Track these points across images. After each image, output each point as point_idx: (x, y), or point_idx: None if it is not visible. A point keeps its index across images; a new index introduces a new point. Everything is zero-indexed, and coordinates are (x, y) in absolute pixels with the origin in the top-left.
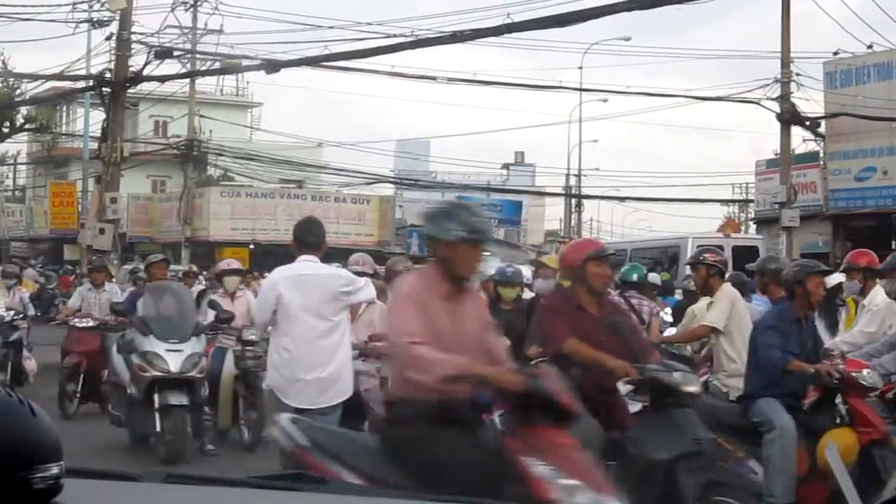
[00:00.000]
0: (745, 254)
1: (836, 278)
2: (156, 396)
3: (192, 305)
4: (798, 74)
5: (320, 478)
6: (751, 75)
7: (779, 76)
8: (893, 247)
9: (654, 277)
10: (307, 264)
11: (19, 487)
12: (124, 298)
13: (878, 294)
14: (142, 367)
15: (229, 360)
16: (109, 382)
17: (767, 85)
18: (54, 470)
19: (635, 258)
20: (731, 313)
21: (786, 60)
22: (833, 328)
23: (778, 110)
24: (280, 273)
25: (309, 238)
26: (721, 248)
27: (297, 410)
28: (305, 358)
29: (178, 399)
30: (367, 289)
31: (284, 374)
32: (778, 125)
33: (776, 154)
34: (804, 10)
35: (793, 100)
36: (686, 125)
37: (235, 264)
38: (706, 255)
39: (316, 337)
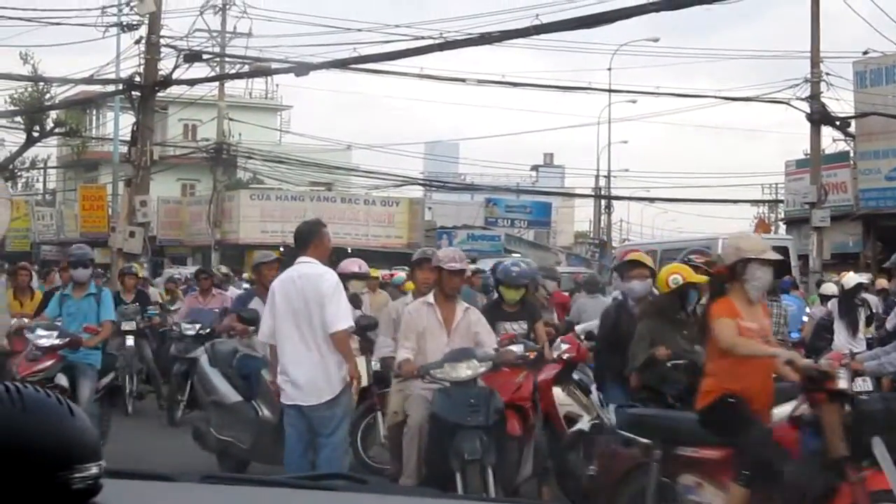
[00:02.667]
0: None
1: (854, 278)
2: None
3: None
4: (828, 74)
5: (361, 478)
6: (780, 75)
7: (808, 76)
8: None
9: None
10: (301, 266)
11: (58, 488)
12: (232, 304)
13: None
14: (277, 386)
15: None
16: (201, 399)
17: (797, 85)
18: (93, 470)
19: (665, 259)
20: None
21: (815, 60)
22: (853, 328)
23: (808, 110)
24: (278, 278)
25: (300, 239)
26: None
27: (291, 407)
28: (290, 357)
29: None
30: (338, 314)
31: (281, 373)
32: (808, 125)
33: (806, 154)
34: (834, 10)
35: (823, 99)
36: (715, 126)
37: (363, 267)
38: (691, 257)
39: (297, 338)
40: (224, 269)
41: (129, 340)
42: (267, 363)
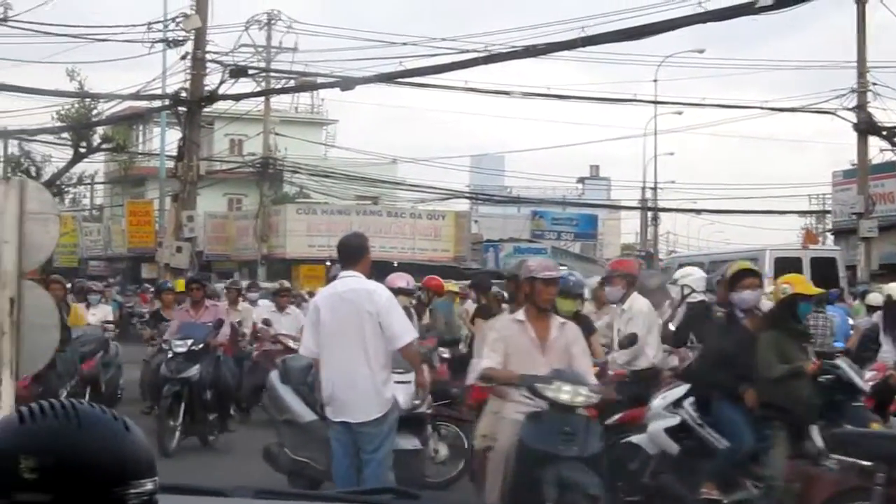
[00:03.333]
0: (823, 265)
1: None
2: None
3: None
4: (874, 84)
5: (413, 493)
6: (827, 86)
7: (855, 86)
8: None
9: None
10: (348, 281)
11: (114, 503)
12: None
13: None
14: None
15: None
16: (273, 418)
17: (844, 95)
18: (148, 486)
19: (713, 271)
20: None
21: (862, 70)
22: None
23: (854, 120)
24: (321, 293)
25: (345, 253)
26: (799, 259)
27: (339, 425)
28: (338, 374)
29: (409, 442)
30: (403, 327)
31: (327, 390)
32: (855, 135)
33: (853, 164)
34: (880, 19)
35: (869, 109)
36: (762, 137)
37: (410, 283)
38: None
39: (346, 355)
40: (286, 284)
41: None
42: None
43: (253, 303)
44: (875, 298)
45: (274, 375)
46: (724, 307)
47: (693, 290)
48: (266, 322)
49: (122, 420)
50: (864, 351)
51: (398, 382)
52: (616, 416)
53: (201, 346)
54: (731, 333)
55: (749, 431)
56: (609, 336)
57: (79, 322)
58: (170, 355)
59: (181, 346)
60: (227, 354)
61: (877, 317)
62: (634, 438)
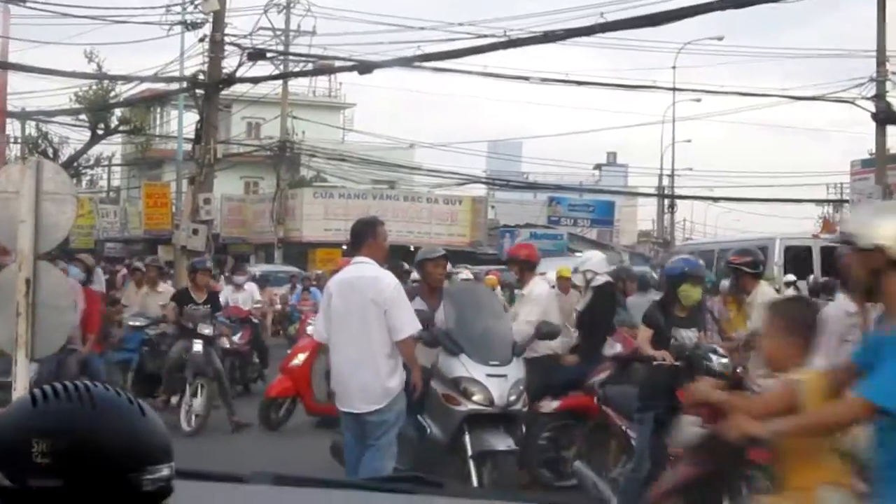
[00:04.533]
0: (833, 254)
1: None
2: (467, 438)
3: (505, 315)
4: (894, 73)
5: (437, 480)
6: (846, 74)
7: (874, 75)
8: None
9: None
10: (357, 267)
11: (129, 489)
12: None
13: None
14: (451, 399)
15: None
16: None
17: (863, 84)
18: (164, 471)
19: (723, 259)
20: None
21: (881, 59)
22: None
23: (873, 109)
24: (334, 278)
25: (355, 238)
26: (809, 248)
27: (347, 414)
28: (346, 363)
29: (502, 442)
30: (405, 319)
31: (335, 378)
32: (873, 124)
33: (871, 154)
34: None
35: (888, 99)
36: (780, 125)
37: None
38: (732, 258)
39: (353, 343)
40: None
41: (198, 345)
42: (434, 373)
43: (239, 286)
44: None
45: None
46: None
47: (595, 274)
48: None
49: (137, 404)
50: None
51: (492, 376)
52: (555, 404)
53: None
54: None
55: None
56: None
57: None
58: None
59: (137, 321)
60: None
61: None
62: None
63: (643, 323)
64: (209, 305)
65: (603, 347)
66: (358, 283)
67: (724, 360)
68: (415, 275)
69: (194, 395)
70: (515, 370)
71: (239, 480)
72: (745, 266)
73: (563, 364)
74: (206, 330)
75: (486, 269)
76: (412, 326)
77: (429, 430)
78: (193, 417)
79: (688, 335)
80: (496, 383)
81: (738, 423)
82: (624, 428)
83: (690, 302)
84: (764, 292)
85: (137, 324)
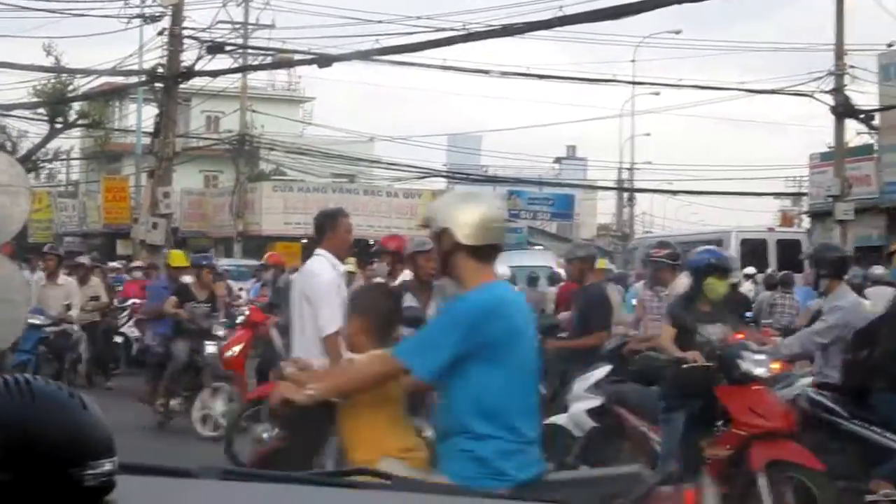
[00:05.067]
0: (788, 248)
1: None
2: None
3: None
4: (852, 67)
5: (385, 473)
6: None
7: (833, 68)
8: None
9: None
10: (310, 261)
11: (70, 485)
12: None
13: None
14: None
15: None
16: None
17: (821, 78)
18: (107, 466)
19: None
20: None
21: (840, 52)
22: None
23: (832, 103)
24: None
25: (315, 229)
26: (765, 241)
27: None
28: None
29: None
30: (325, 316)
31: None
32: (832, 118)
33: (830, 147)
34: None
35: (847, 92)
36: (739, 118)
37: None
38: (651, 252)
39: (294, 337)
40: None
41: (212, 347)
42: None
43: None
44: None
45: None
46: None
47: None
48: None
49: (78, 397)
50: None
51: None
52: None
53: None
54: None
55: None
56: None
57: None
58: None
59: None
60: None
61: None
62: (556, 419)
63: (666, 320)
64: (210, 304)
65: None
66: (297, 278)
67: (760, 358)
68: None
69: (212, 398)
70: None
71: (186, 475)
72: (664, 258)
73: None
74: (220, 331)
75: None
76: (331, 324)
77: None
78: (214, 421)
79: (714, 331)
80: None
81: (278, 391)
82: (644, 429)
83: (716, 296)
84: (683, 283)
85: (35, 322)
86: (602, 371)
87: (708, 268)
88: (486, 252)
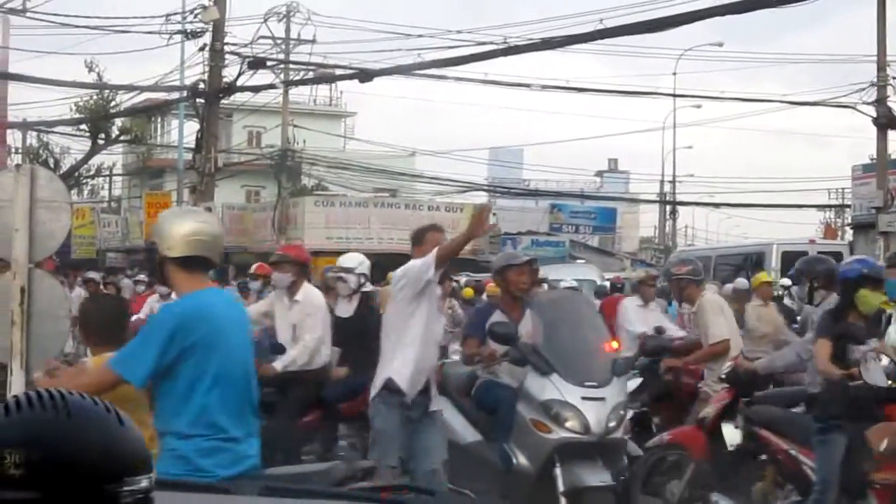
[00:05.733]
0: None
1: None
2: (558, 471)
3: (604, 329)
4: (894, 78)
5: (429, 490)
6: (847, 79)
7: (875, 80)
8: None
9: (741, 283)
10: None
11: (106, 501)
12: (468, 320)
13: None
14: (541, 425)
15: None
16: None
17: (864, 89)
18: (143, 483)
19: (720, 264)
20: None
21: (881, 64)
22: None
23: (874, 114)
24: None
25: (411, 244)
26: (806, 253)
27: None
28: None
29: (598, 477)
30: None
31: None
32: (874, 129)
33: (872, 158)
34: None
35: (889, 103)
36: (781, 131)
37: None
38: (673, 270)
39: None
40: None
41: None
42: (521, 394)
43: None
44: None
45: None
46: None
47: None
48: None
49: (115, 412)
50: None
51: (588, 399)
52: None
53: None
54: None
55: None
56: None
57: None
58: None
59: None
60: None
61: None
62: None
63: (819, 335)
64: None
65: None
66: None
67: None
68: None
69: None
70: (616, 392)
71: (225, 491)
72: (687, 275)
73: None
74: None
75: (489, 276)
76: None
77: (514, 460)
78: None
79: (866, 347)
80: (593, 407)
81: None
82: (794, 452)
83: (869, 309)
84: (709, 299)
85: None
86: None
87: (861, 279)
88: (195, 263)
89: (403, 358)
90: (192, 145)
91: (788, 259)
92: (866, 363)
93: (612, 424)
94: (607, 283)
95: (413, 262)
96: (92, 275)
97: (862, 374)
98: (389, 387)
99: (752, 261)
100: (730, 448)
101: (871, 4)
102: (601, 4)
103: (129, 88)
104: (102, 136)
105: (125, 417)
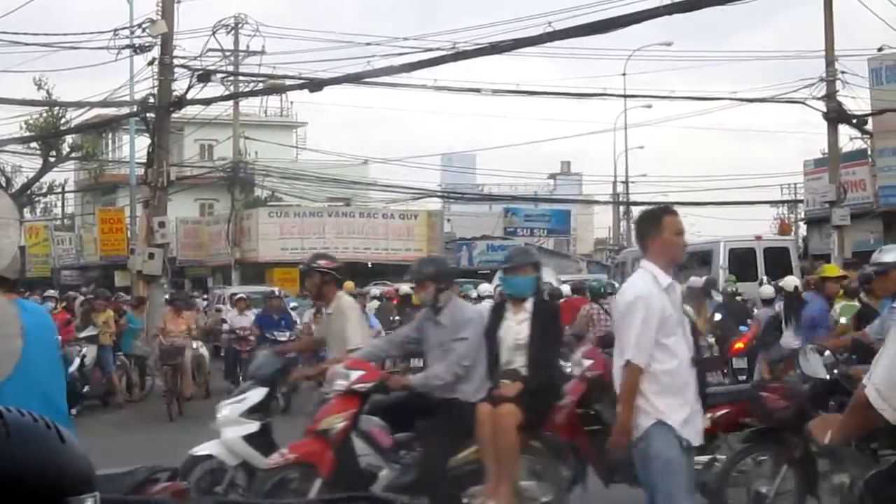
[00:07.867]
0: (776, 256)
1: (792, 281)
2: None
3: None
4: (843, 72)
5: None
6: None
7: (824, 75)
8: None
9: (694, 281)
10: (633, 275)
11: None
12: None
13: None
14: None
15: None
16: None
17: (813, 84)
18: (87, 502)
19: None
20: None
21: (830, 59)
22: (797, 325)
23: (824, 109)
24: None
25: (638, 241)
26: (753, 250)
27: None
28: None
29: None
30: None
31: None
32: (825, 124)
33: (824, 153)
34: (847, 8)
35: (839, 98)
36: (732, 128)
37: None
38: (319, 262)
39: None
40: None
41: None
42: None
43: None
44: (767, 291)
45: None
46: None
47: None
48: None
49: (56, 429)
50: (767, 336)
51: None
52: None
53: None
54: None
55: None
56: None
57: None
58: None
59: None
60: None
61: (779, 306)
62: (204, 448)
63: None
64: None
65: None
66: None
67: None
68: (374, 291)
69: None
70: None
71: None
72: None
73: None
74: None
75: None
76: (625, 351)
77: None
78: None
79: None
80: None
81: None
82: None
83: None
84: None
85: None
86: (257, 394)
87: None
88: None
89: None
90: (144, 160)
91: (735, 256)
92: (805, 356)
93: None
94: (564, 286)
95: None
96: (50, 292)
97: (801, 367)
98: None
99: (700, 259)
100: None
101: (818, 1)
102: (549, 7)
103: (79, 105)
104: (53, 153)
105: (67, 435)
